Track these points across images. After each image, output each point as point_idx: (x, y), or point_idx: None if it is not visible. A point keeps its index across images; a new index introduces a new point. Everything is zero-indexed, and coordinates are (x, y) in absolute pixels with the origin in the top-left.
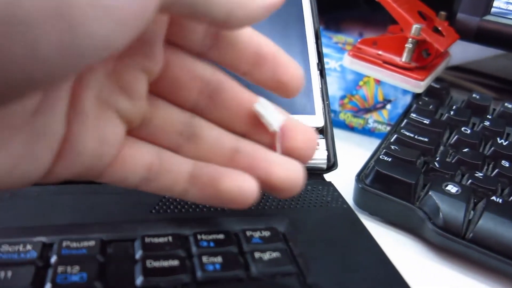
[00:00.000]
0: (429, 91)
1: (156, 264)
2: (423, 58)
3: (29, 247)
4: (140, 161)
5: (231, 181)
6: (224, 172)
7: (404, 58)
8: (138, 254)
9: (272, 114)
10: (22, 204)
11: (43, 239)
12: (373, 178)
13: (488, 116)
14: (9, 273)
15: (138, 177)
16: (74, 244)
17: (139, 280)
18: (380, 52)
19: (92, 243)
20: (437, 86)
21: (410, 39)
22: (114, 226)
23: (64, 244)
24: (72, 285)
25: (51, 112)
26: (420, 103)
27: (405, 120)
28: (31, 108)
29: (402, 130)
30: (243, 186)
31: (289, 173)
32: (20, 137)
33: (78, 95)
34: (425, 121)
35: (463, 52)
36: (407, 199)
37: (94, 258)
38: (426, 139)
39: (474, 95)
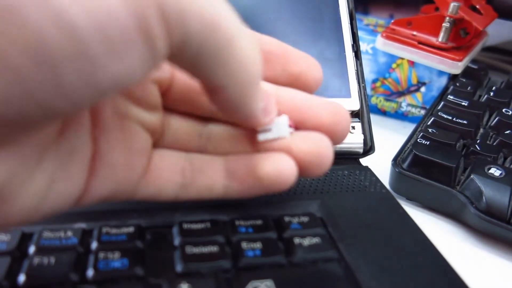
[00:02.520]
0: (466, 72)
1: (196, 250)
2: (460, 37)
3: (69, 233)
4: (172, 167)
5: (269, 165)
6: (259, 158)
7: (440, 38)
8: (177, 241)
9: (277, 131)
10: None
11: (82, 225)
12: (410, 162)
13: None
14: (52, 259)
15: (174, 183)
16: (114, 231)
17: (179, 266)
18: (415, 33)
19: (131, 229)
20: (474, 67)
21: (447, 18)
22: (151, 212)
23: (104, 230)
24: (114, 271)
25: (76, 131)
26: (457, 84)
27: (442, 103)
28: (57, 129)
29: (439, 113)
30: (282, 167)
31: (311, 146)
32: (51, 156)
33: (97, 113)
34: (463, 103)
35: (498, 31)
36: (447, 183)
37: (133, 244)
38: (465, 122)
39: None
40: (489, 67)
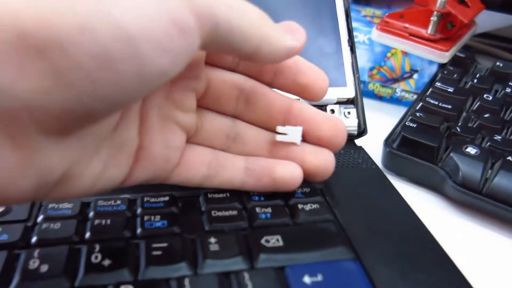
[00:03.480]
0: (454, 60)
1: (219, 214)
2: (448, 30)
3: (118, 201)
4: (200, 161)
5: (283, 170)
6: (274, 163)
7: (429, 30)
8: (204, 207)
9: (292, 136)
10: None
11: (127, 196)
12: (399, 143)
13: (510, 83)
14: (108, 221)
15: (201, 174)
16: (153, 199)
17: (207, 226)
18: (406, 25)
19: (166, 198)
20: (462, 55)
21: (435, 12)
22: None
23: (145, 199)
24: (157, 229)
25: (127, 128)
26: (445, 72)
27: (430, 89)
28: (112, 125)
29: (427, 98)
30: (293, 173)
31: (320, 161)
32: (106, 147)
33: (145, 114)
34: (449, 89)
35: (490, 19)
36: (430, 160)
37: (170, 209)
38: (449, 106)
39: (498, 63)
40: (480, 52)
